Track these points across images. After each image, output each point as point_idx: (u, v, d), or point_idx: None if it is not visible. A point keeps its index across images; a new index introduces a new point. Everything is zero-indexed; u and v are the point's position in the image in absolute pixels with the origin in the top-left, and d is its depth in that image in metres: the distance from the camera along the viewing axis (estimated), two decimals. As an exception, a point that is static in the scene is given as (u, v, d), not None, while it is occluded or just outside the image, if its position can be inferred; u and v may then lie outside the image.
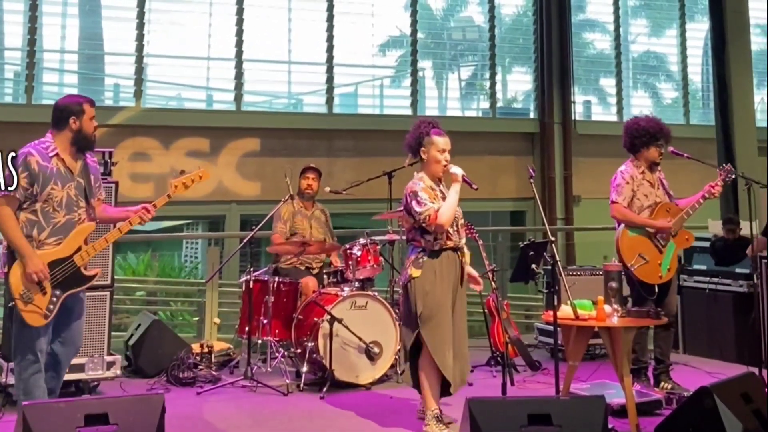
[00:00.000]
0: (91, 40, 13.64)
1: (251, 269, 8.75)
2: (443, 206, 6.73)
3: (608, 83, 16.80)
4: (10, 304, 6.05)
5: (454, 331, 6.78)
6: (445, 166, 6.89)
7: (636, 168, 8.17)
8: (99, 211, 6.46)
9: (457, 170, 6.85)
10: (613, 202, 8.13)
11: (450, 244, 6.83)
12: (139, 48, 13.20)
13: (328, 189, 9.67)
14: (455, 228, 6.89)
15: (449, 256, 6.83)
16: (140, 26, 13.22)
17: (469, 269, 7.14)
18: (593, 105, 16.85)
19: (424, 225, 6.74)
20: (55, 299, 6.06)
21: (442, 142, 6.95)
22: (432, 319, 6.69)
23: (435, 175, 6.95)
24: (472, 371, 7.67)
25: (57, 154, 6.18)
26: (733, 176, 8.38)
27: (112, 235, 6.37)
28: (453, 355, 6.74)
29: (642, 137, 8.20)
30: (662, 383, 8.13)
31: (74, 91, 13.22)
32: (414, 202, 6.78)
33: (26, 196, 6.08)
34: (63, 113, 6.27)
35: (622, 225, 8.09)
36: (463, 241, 6.99)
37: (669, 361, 8.33)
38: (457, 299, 6.86)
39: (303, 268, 9.40)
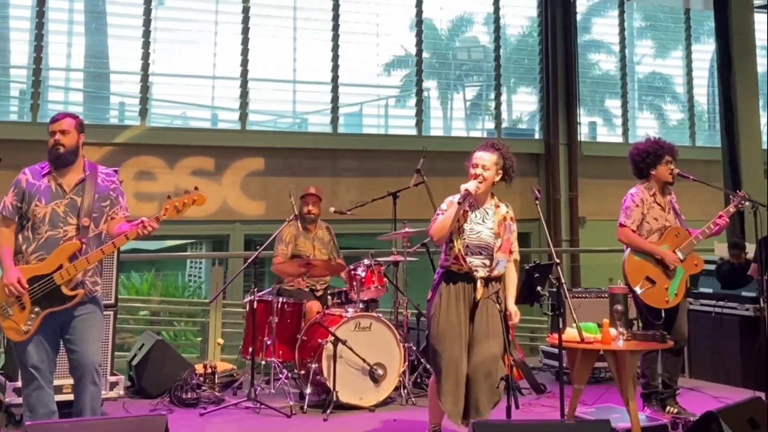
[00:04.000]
0: (96, 58, 13.67)
1: (255, 289, 8.72)
2: (439, 218, 6.59)
3: (614, 104, 16.82)
4: None
5: (472, 360, 6.55)
6: (473, 177, 6.66)
7: (647, 191, 8.13)
8: (113, 228, 6.33)
9: (465, 185, 6.57)
10: (621, 225, 8.10)
11: (460, 269, 6.59)
12: (145, 67, 13.23)
13: (332, 209, 9.64)
14: (479, 257, 6.62)
15: (459, 285, 6.59)
16: (146, 45, 13.25)
17: (508, 302, 6.82)
18: (599, 126, 16.88)
19: None
20: (33, 316, 5.99)
21: (475, 156, 6.74)
22: (435, 344, 6.58)
23: (478, 195, 6.69)
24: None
25: (49, 172, 6.21)
26: (747, 203, 8.33)
27: (95, 256, 6.18)
28: (468, 382, 6.54)
29: (645, 159, 8.18)
30: (668, 407, 8.09)
31: (79, 110, 13.29)
32: (436, 213, 6.71)
33: (19, 214, 6.14)
34: None
35: (629, 248, 8.06)
36: (483, 273, 6.61)
37: (677, 386, 8.29)
38: (476, 330, 6.59)
39: (307, 289, 9.35)
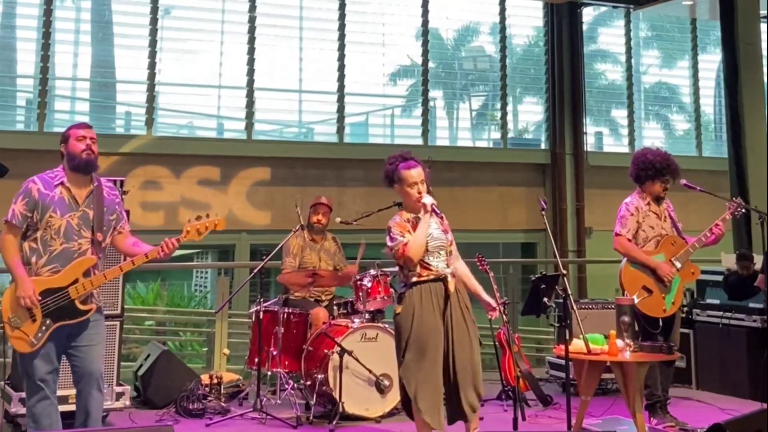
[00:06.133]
0: (103, 68, 13.69)
1: (261, 299, 8.70)
2: (411, 239, 6.61)
3: (620, 114, 16.80)
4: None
5: (455, 363, 6.60)
6: (418, 199, 6.75)
7: (642, 199, 8.16)
8: (126, 244, 6.34)
9: (427, 200, 6.70)
10: (616, 234, 8.14)
11: (429, 275, 6.66)
12: (151, 76, 13.24)
13: (338, 219, 9.61)
14: (440, 257, 6.73)
15: (431, 288, 6.65)
16: (152, 54, 13.26)
17: (483, 295, 6.99)
18: (605, 136, 16.86)
19: (396, 260, 6.72)
20: (44, 328, 5.95)
21: (410, 175, 6.81)
22: (412, 357, 6.57)
23: (414, 210, 6.81)
24: (482, 404, 7.49)
25: (62, 183, 6.15)
26: (743, 210, 8.34)
27: (112, 272, 6.24)
28: (453, 387, 6.60)
29: (648, 170, 8.17)
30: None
31: (86, 119, 13.31)
32: (387, 238, 6.73)
33: (28, 224, 6.07)
34: (59, 145, 6.30)
35: (625, 258, 8.07)
36: (450, 269, 6.76)
37: (668, 394, 8.26)
38: (453, 330, 6.64)
39: (312, 299, 9.33)
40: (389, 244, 6.70)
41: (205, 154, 13.37)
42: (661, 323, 7.94)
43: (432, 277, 6.67)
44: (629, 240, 8.04)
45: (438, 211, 6.75)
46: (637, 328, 7.86)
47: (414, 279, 6.68)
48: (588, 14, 16.57)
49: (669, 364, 8.10)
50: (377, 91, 15.23)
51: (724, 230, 8.22)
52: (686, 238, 8.19)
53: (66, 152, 6.21)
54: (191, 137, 14.17)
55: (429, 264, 6.67)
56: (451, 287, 6.69)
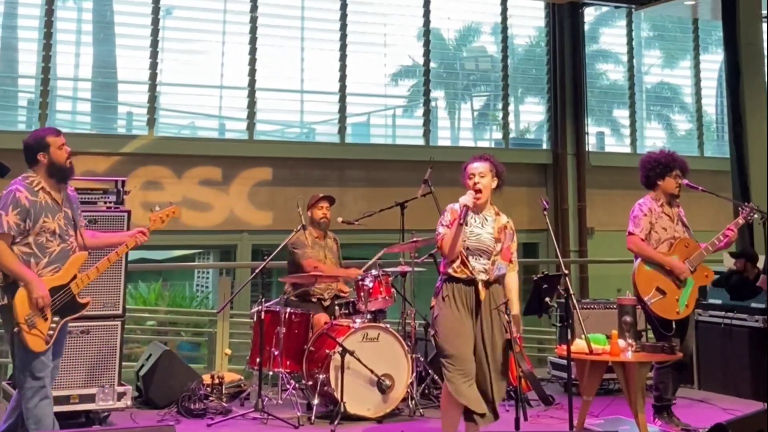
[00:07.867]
0: (104, 68, 13.68)
1: (262, 300, 8.69)
2: (447, 233, 6.63)
3: (622, 114, 16.80)
4: (15, 330, 6.03)
5: (480, 363, 6.61)
6: (472, 189, 6.71)
7: (655, 201, 8.12)
8: (87, 238, 6.53)
9: (463, 199, 6.63)
10: (630, 234, 8.08)
11: (461, 274, 6.62)
12: (153, 76, 13.24)
13: (340, 219, 9.61)
14: (479, 259, 6.66)
15: (461, 289, 6.63)
16: (153, 55, 13.27)
17: (513, 309, 6.88)
18: (606, 136, 16.86)
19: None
20: (54, 325, 6.14)
21: (470, 167, 6.81)
22: (444, 346, 6.59)
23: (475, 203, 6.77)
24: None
25: (42, 188, 6.26)
26: (755, 215, 8.32)
27: (103, 264, 6.40)
28: (479, 385, 6.60)
29: (655, 169, 8.16)
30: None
31: (87, 120, 13.32)
32: (439, 221, 6.78)
33: (19, 231, 6.15)
34: (30, 152, 6.34)
35: (639, 258, 8.03)
36: (484, 277, 6.64)
37: (673, 398, 8.24)
38: (483, 330, 6.63)
39: (314, 299, 9.30)
40: (438, 229, 6.77)
41: (207, 155, 13.37)
42: (674, 325, 7.89)
43: (464, 276, 6.63)
44: (642, 239, 8.02)
45: (461, 222, 6.59)
46: (639, 327, 7.89)
47: (450, 272, 6.67)
48: (589, 14, 16.58)
49: (681, 369, 8.09)
50: (379, 91, 15.22)
51: (736, 234, 8.21)
52: (698, 243, 8.17)
53: (49, 161, 6.30)
54: (193, 137, 14.17)
55: (467, 263, 6.63)
56: (482, 295, 6.64)
